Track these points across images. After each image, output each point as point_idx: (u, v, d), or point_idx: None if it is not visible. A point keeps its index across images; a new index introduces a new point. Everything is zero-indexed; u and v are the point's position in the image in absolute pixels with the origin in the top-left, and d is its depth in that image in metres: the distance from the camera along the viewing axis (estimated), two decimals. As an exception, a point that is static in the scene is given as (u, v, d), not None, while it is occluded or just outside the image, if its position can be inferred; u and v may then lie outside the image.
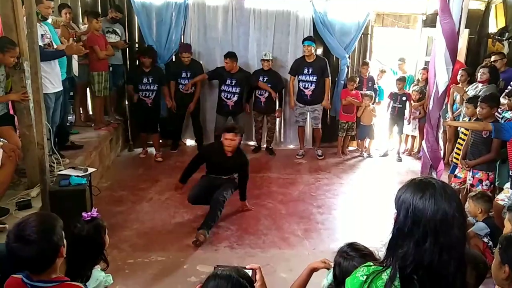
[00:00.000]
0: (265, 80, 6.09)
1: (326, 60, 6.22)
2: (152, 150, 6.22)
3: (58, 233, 1.65)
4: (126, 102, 6.11)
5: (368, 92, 6.42)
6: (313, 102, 6.17)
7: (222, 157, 4.13)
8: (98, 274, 2.06)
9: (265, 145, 6.61)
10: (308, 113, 6.30)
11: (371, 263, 1.36)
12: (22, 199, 3.45)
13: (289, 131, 6.85)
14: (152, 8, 6.07)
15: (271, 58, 6.10)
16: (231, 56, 5.87)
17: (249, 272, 1.58)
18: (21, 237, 1.56)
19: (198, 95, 6.11)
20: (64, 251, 1.69)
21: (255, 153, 6.42)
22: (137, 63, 6.18)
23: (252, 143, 6.85)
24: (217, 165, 4.25)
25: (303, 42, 6.01)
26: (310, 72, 6.02)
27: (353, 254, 1.82)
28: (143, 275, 3.35)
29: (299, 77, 6.12)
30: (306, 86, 6.10)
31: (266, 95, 6.15)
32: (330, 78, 6.16)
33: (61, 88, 4.49)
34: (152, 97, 5.80)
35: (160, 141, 6.54)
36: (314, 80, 6.04)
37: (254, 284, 1.57)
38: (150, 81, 5.71)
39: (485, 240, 3.24)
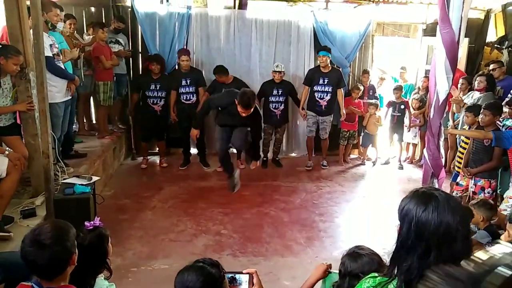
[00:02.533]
0: (280, 93, 5.96)
1: (340, 70, 6.18)
2: (153, 159, 6.24)
3: (71, 240, 1.70)
4: (128, 110, 6.10)
5: (373, 101, 6.45)
6: (326, 113, 6.08)
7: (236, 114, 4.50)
8: (101, 282, 2.07)
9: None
10: (320, 124, 6.15)
11: (376, 274, 1.35)
12: (26, 208, 3.49)
13: (292, 140, 6.86)
14: (156, 18, 6.14)
15: (283, 70, 5.92)
16: (219, 71, 5.79)
17: (246, 277, 1.62)
18: (36, 242, 1.61)
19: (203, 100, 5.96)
20: (75, 259, 1.72)
21: (264, 167, 6.25)
22: (145, 70, 6.13)
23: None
24: (229, 116, 4.64)
25: (318, 52, 5.92)
26: (326, 83, 5.91)
27: (361, 253, 1.85)
28: (146, 283, 3.36)
29: (314, 87, 5.98)
30: (322, 97, 5.96)
31: (282, 107, 6.03)
32: (343, 89, 6.11)
33: (69, 97, 4.55)
34: (161, 104, 5.81)
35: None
36: (330, 90, 5.92)
37: None
38: (158, 88, 5.72)
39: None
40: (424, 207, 1.23)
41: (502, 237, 2.27)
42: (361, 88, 6.41)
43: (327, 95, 5.96)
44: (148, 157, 6.24)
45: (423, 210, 1.23)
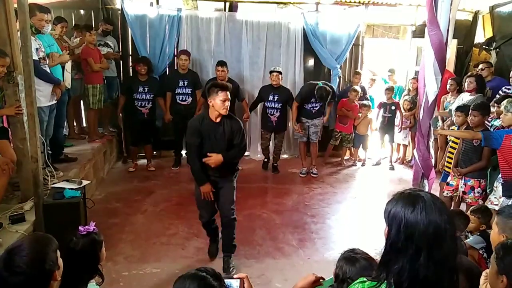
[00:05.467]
0: (275, 99, 5.85)
1: (333, 88, 6.07)
2: (142, 162, 6.17)
3: (50, 260, 1.61)
4: (120, 114, 6.05)
5: (365, 102, 6.48)
6: (317, 116, 5.99)
7: (211, 127, 3.42)
8: (93, 288, 2.05)
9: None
10: (310, 128, 6.03)
11: (365, 279, 1.35)
12: (15, 213, 3.44)
13: (283, 142, 6.83)
14: (146, 20, 6.13)
15: (280, 71, 5.80)
16: (223, 64, 5.76)
17: (237, 282, 1.60)
18: (10, 267, 1.54)
19: (200, 104, 5.94)
20: (58, 274, 1.66)
21: (265, 170, 6.26)
22: (132, 73, 6.12)
23: (246, 153, 6.84)
24: (208, 139, 3.45)
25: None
26: (317, 100, 5.84)
27: (357, 257, 1.84)
28: (137, 287, 3.33)
29: (305, 105, 5.89)
30: (314, 108, 5.93)
31: (278, 114, 5.91)
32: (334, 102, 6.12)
33: (55, 102, 4.50)
34: (149, 106, 5.74)
35: (154, 152, 6.57)
36: (319, 106, 5.92)
37: None
38: (146, 90, 5.66)
39: (480, 252, 3.23)
40: (412, 208, 1.24)
41: (490, 231, 2.25)
42: (359, 90, 6.39)
43: (317, 108, 5.93)
44: (138, 161, 6.17)
45: (411, 212, 1.24)
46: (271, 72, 5.84)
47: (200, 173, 3.41)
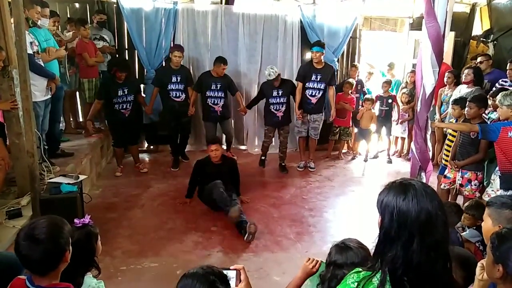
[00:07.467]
0: (280, 94, 5.66)
1: (333, 67, 6.02)
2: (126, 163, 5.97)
3: (65, 237, 1.71)
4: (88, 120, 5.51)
5: (368, 96, 6.45)
6: (317, 111, 5.86)
7: (214, 167, 4.66)
8: (90, 280, 2.05)
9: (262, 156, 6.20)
10: (310, 123, 5.93)
11: (360, 269, 1.37)
12: (12, 208, 3.44)
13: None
14: (142, 14, 6.06)
15: (278, 73, 5.57)
16: (223, 61, 5.65)
17: (233, 273, 1.61)
18: (30, 236, 1.64)
19: (193, 99, 5.85)
20: (68, 257, 1.74)
21: (262, 167, 6.08)
22: (109, 76, 5.54)
23: (243, 147, 6.86)
24: (211, 174, 4.60)
25: (311, 48, 5.67)
26: (318, 79, 5.66)
27: (349, 245, 1.85)
28: (136, 282, 3.34)
29: (306, 84, 5.70)
30: (313, 94, 5.72)
31: (284, 108, 5.73)
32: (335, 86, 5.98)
33: (50, 96, 4.47)
34: (130, 108, 5.37)
35: (151, 147, 6.54)
36: (322, 87, 5.69)
37: (239, 285, 1.59)
38: (126, 92, 5.27)
39: (477, 245, 3.25)
40: (404, 196, 1.27)
41: (483, 224, 2.25)
42: (353, 83, 6.38)
43: (318, 93, 5.74)
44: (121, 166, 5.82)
45: (403, 200, 1.27)
46: (269, 80, 5.58)
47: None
